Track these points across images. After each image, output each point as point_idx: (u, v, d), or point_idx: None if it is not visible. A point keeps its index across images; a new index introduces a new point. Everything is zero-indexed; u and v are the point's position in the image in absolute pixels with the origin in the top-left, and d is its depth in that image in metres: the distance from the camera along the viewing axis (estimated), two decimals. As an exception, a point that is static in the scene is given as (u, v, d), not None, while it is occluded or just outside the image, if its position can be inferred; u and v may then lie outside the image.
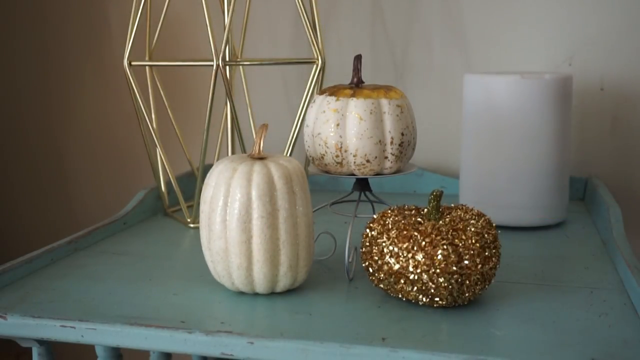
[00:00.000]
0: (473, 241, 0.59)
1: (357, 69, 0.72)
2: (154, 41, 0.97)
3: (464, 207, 0.64)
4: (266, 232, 0.61)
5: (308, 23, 0.86)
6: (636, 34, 1.02)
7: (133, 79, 0.88)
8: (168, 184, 0.97)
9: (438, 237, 0.58)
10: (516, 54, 1.06)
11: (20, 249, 0.94)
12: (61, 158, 1.30)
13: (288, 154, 0.89)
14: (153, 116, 0.96)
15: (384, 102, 0.68)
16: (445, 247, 0.58)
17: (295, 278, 0.64)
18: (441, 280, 0.58)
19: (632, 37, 1.02)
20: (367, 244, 0.63)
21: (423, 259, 0.58)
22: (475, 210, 0.63)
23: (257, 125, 1.03)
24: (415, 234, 0.59)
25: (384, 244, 0.60)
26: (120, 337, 0.58)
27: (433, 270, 0.58)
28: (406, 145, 0.69)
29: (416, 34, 1.09)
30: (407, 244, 0.59)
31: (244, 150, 0.86)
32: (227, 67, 0.88)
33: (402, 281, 0.60)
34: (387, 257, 0.60)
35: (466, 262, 0.58)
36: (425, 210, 0.64)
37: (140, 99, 0.89)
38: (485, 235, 0.60)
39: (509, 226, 0.86)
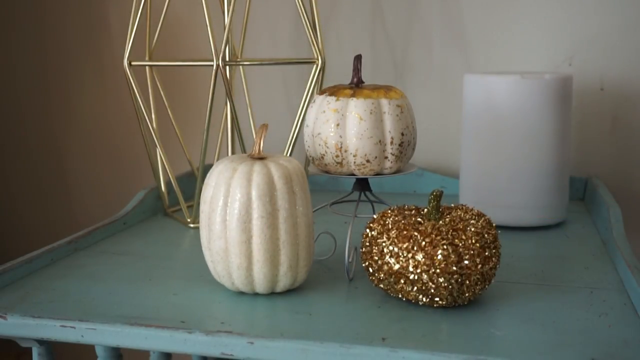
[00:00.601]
0: (473, 241, 0.59)
1: (357, 69, 0.72)
2: (154, 41, 0.97)
3: (464, 207, 0.64)
4: (266, 232, 0.61)
5: (308, 23, 0.86)
6: (636, 34, 1.02)
7: (133, 79, 0.88)
8: (168, 184, 0.97)
9: (438, 237, 0.58)
10: (516, 54, 1.06)
11: (20, 249, 0.94)
12: (61, 158, 1.30)
13: (288, 154, 0.89)
14: (153, 116, 0.96)
15: (384, 102, 0.68)
16: (445, 247, 0.58)
17: (295, 278, 0.64)
18: (441, 280, 0.58)
19: (632, 37, 1.02)
20: (367, 244, 0.63)
21: (423, 259, 0.58)
22: (475, 210, 0.63)
23: (257, 125, 1.03)
24: (415, 234, 0.59)
25: (384, 244, 0.60)
26: (120, 337, 0.58)
27: (433, 270, 0.58)
28: (406, 145, 0.69)
29: (416, 34, 1.09)
30: (407, 244, 0.59)
31: (244, 150, 0.86)
32: (227, 67, 0.88)
33: (402, 281, 0.60)
34: (387, 257, 0.60)
35: (466, 262, 0.58)
36: (425, 210, 0.64)
37: (140, 99, 0.89)
38: (485, 235, 0.60)
39: (509, 226, 0.86)
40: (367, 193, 0.73)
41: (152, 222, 0.94)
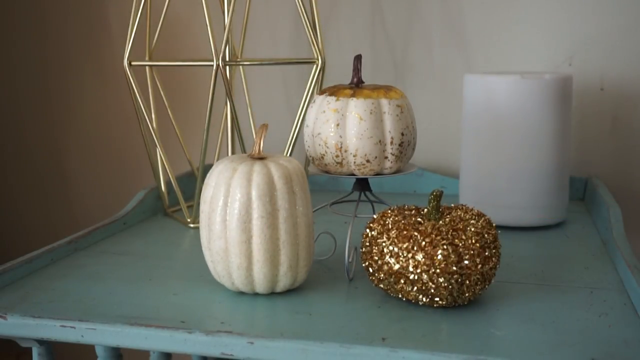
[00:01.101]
0: (473, 241, 0.59)
1: (357, 69, 0.72)
2: (154, 41, 0.97)
3: (464, 207, 0.64)
4: (266, 232, 0.61)
5: (308, 23, 0.86)
6: (636, 34, 1.02)
7: (133, 79, 0.88)
8: (168, 184, 0.97)
9: (438, 237, 0.58)
10: (516, 54, 1.06)
11: (20, 249, 0.94)
12: (61, 158, 1.30)
13: (288, 154, 0.89)
14: (153, 116, 0.96)
15: (384, 102, 0.68)
16: (445, 247, 0.58)
17: (295, 278, 0.64)
18: (441, 280, 0.58)
19: (632, 37, 1.02)
20: (367, 244, 0.63)
21: (423, 259, 0.58)
22: (475, 210, 0.63)
23: (257, 125, 1.03)
24: (415, 234, 0.59)
25: (384, 244, 0.60)
26: (120, 337, 0.58)
27: (433, 270, 0.58)
28: (406, 145, 0.69)
29: (416, 34, 1.09)
30: (407, 244, 0.59)
31: (244, 150, 0.86)
32: (227, 67, 0.88)
33: (402, 281, 0.60)
34: (387, 257, 0.60)
35: (466, 262, 0.58)
36: (425, 210, 0.64)
37: (140, 99, 0.89)
38: (485, 235, 0.60)
39: (509, 226, 0.86)
40: (367, 193, 0.73)
41: (152, 222, 0.94)
